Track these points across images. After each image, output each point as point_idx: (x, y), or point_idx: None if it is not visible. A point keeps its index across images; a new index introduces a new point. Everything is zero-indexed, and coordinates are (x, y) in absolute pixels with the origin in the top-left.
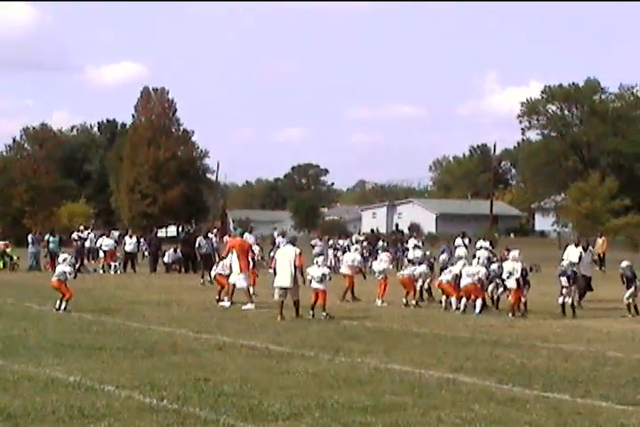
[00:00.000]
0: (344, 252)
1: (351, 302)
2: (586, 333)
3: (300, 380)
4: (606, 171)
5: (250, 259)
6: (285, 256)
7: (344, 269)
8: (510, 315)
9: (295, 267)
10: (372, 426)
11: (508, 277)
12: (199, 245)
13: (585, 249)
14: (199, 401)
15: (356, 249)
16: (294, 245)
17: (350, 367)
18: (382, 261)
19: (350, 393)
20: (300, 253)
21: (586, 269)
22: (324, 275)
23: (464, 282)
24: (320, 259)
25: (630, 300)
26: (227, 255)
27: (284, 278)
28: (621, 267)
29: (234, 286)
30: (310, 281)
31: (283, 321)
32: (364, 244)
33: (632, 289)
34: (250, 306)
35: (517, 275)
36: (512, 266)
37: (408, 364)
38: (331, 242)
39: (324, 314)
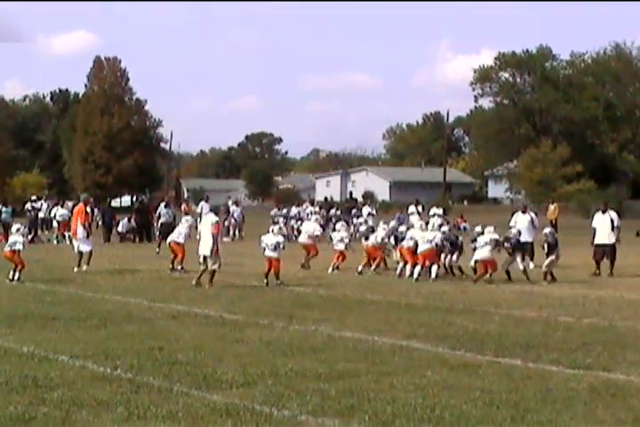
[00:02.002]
0: (297, 220)
1: (303, 269)
2: (537, 298)
3: (253, 348)
4: (558, 138)
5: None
6: (205, 225)
7: (303, 239)
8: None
9: (213, 236)
10: (326, 393)
11: (481, 247)
12: (159, 214)
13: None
14: (153, 370)
15: (316, 219)
16: (216, 215)
17: (304, 335)
18: (340, 231)
19: (304, 361)
20: (217, 222)
21: (530, 235)
22: (278, 243)
23: (422, 248)
24: (275, 227)
25: (548, 268)
26: (76, 222)
27: (203, 247)
28: (544, 233)
29: (80, 253)
30: (264, 249)
31: (236, 289)
32: (322, 212)
33: (552, 257)
34: (85, 268)
35: (492, 245)
36: (489, 237)
37: (361, 331)
38: (284, 211)
39: (278, 282)
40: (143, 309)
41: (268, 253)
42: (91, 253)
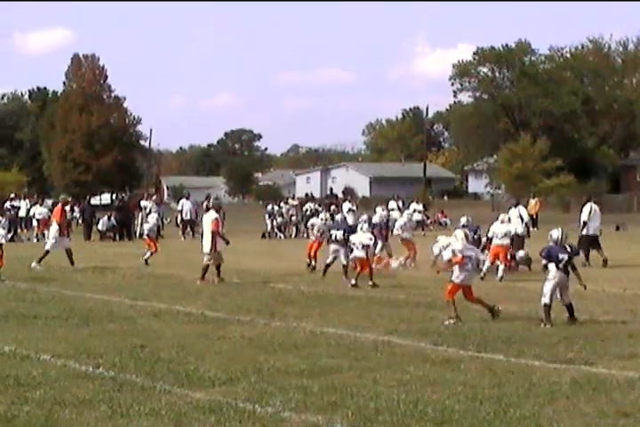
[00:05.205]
0: (282, 216)
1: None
2: (518, 293)
3: (236, 345)
4: (537, 132)
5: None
6: (206, 222)
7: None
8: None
9: (213, 233)
10: (309, 389)
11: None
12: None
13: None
14: (135, 368)
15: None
16: (218, 212)
17: (286, 332)
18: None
19: (286, 357)
20: (216, 219)
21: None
22: (363, 242)
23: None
24: (365, 225)
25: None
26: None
27: (204, 244)
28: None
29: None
30: (351, 249)
31: (218, 287)
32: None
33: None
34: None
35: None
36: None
37: (343, 327)
38: (268, 207)
39: (370, 284)
40: (125, 307)
41: (356, 252)
42: (47, 252)
